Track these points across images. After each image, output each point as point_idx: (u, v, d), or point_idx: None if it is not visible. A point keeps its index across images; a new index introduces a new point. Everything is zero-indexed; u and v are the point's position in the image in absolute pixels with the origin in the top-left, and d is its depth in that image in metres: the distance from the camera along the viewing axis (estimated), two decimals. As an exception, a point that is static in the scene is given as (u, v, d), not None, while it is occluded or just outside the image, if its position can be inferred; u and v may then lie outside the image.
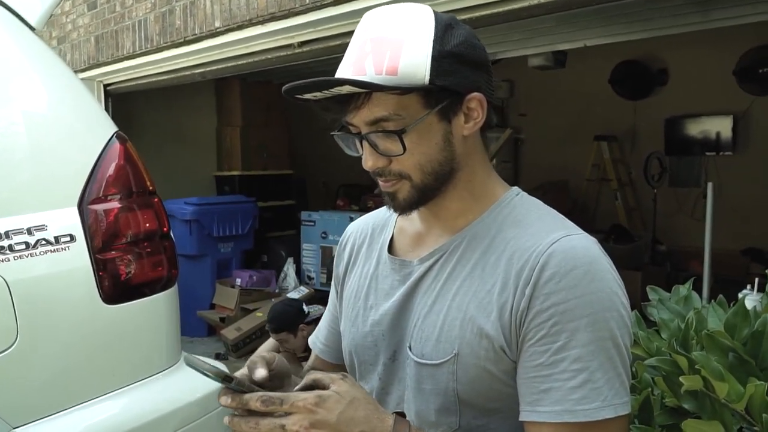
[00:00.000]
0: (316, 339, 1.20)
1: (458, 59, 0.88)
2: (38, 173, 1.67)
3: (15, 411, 1.53)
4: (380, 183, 0.94)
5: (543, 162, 6.57)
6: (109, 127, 1.85)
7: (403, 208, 0.94)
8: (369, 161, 0.91)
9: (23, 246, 1.57)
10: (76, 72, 5.13)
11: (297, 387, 0.86)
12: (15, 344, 1.54)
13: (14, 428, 1.53)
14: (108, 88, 5.23)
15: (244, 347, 4.57)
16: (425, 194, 0.93)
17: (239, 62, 4.07)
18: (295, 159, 6.74)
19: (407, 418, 0.93)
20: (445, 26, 0.89)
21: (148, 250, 1.81)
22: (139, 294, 1.78)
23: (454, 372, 0.90)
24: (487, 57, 0.93)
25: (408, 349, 0.96)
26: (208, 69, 4.33)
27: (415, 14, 0.89)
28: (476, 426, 0.91)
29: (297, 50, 3.65)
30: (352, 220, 1.48)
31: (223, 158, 6.33)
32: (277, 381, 0.91)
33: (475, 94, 0.90)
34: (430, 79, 0.85)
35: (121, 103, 5.38)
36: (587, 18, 2.95)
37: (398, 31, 0.87)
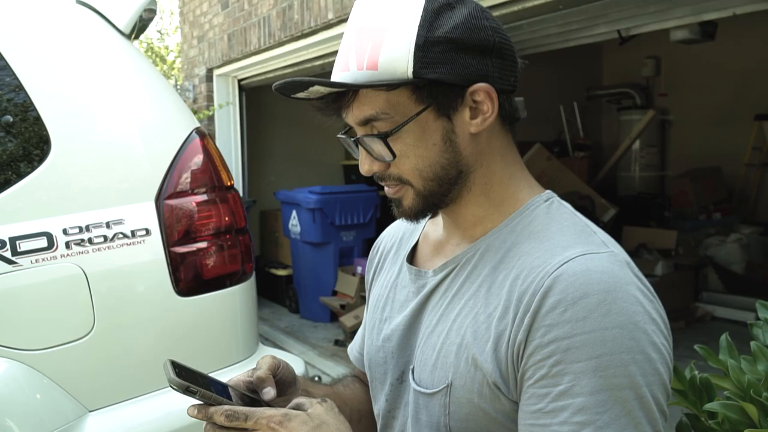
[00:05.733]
0: (353, 347, 1.14)
1: (454, 45, 0.76)
2: (118, 169, 1.74)
3: (91, 396, 1.62)
4: (385, 188, 0.85)
5: (693, 146, 5.90)
6: (190, 124, 1.90)
7: (410, 216, 0.85)
8: (365, 165, 0.83)
9: (101, 239, 1.65)
10: (212, 68, 5.46)
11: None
12: (92, 332, 1.63)
13: (90, 411, 1.63)
14: (241, 83, 5.51)
15: (361, 335, 4.58)
16: (431, 201, 0.82)
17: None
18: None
19: None
20: (439, 7, 0.77)
21: (223, 244, 1.84)
22: (213, 287, 1.82)
23: (447, 405, 0.79)
24: (500, 38, 0.79)
25: (411, 372, 0.86)
26: (327, 61, 4.38)
27: None
28: None
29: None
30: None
31: (350, 148, 6.42)
32: (280, 388, 0.85)
33: (480, 84, 0.77)
34: (414, 72, 0.75)
35: (254, 96, 5.65)
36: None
37: (382, 19, 0.77)
